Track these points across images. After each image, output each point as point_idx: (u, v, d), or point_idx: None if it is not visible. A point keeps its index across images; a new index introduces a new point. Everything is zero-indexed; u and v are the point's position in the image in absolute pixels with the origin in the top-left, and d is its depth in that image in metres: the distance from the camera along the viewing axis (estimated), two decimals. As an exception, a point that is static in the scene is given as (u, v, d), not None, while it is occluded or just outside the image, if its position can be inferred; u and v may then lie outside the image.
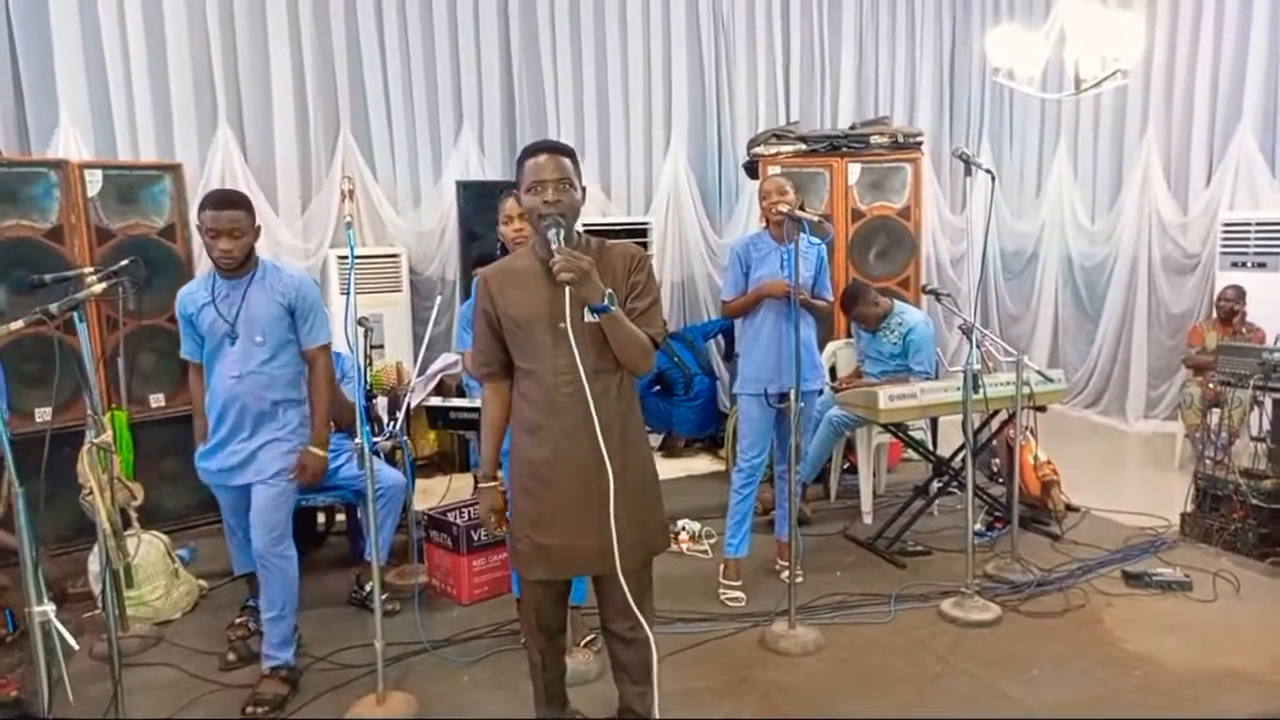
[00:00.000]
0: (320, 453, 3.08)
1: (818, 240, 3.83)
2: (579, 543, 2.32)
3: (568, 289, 2.15)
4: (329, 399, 3.09)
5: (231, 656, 3.27)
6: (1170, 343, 6.31)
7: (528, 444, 2.35)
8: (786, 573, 3.79)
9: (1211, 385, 4.87)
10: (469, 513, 3.94)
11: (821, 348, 5.23)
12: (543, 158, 2.26)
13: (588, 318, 2.25)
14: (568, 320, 2.21)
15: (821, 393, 4.08)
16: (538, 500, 2.34)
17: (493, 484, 2.43)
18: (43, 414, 4.12)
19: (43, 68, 4.92)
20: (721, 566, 3.87)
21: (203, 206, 2.90)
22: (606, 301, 2.17)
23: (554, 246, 2.16)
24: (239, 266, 2.94)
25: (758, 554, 4.00)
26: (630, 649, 2.44)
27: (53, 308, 2.33)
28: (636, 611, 2.30)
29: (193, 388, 3.20)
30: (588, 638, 3.29)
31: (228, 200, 2.93)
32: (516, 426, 2.39)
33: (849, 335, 5.13)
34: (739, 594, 3.75)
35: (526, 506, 2.36)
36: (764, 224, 3.85)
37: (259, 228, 3.00)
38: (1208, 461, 4.38)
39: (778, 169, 5.48)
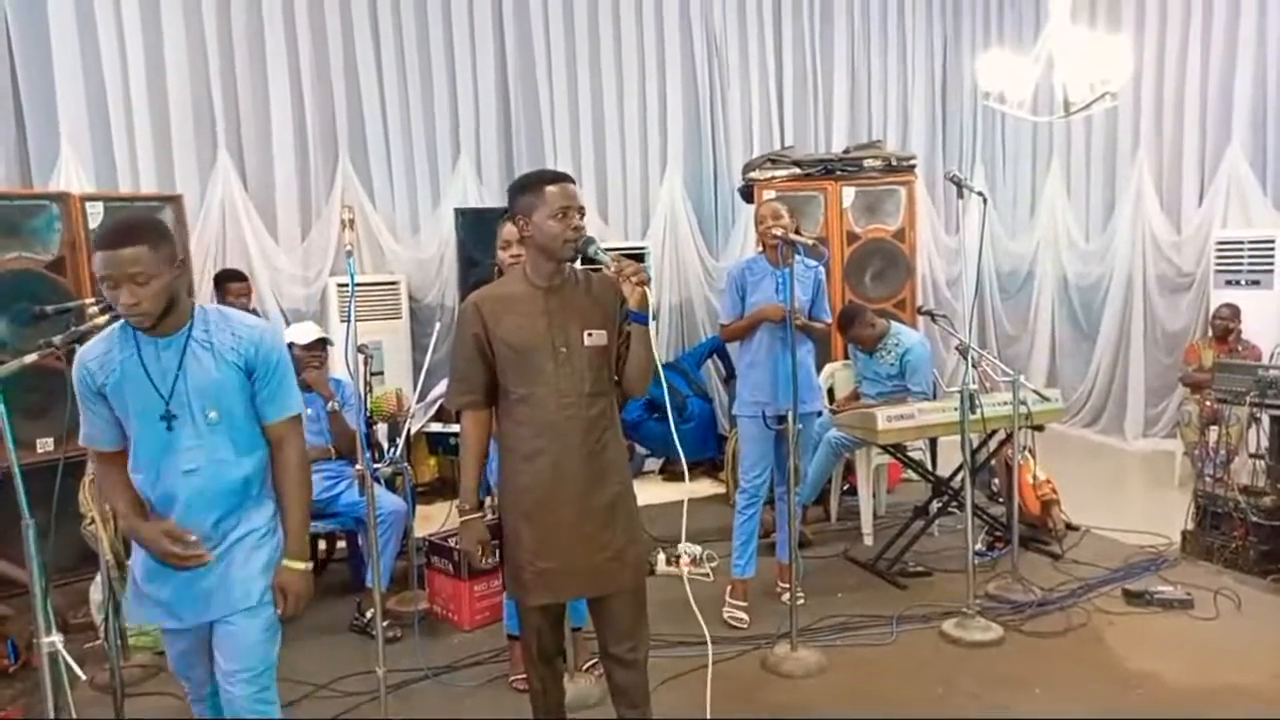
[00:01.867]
0: (301, 567, 2.24)
1: (814, 263, 3.86)
2: (581, 563, 2.35)
3: (552, 315, 2.32)
4: (307, 493, 2.26)
5: None
6: (1167, 361, 6.33)
7: (526, 470, 2.34)
8: (788, 595, 3.79)
9: (1209, 403, 4.89)
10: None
11: (819, 369, 5.26)
12: (568, 185, 2.33)
13: (587, 341, 2.33)
14: (581, 340, 2.33)
15: (820, 414, 4.09)
16: (539, 525, 2.34)
17: (478, 515, 2.42)
18: (44, 444, 4.13)
19: (44, 100, 4.97)
20: (729, 587, 3.87)
21: (95, 246, 2.12)
22: (650, 313, 2.26)
23: (611, 259, 2.28)
24: (159, 321, 2.09)
25: (759, 577, 4.00)
26: (629, 671, 2.46)
27: (56, 339, 2.35)
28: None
29: (105, 488, 2.32)
30: (590, 662, 3.28)
31: (124, 234, 2.05)
32: (511, 453, 2.38)
33: (846, 357, 5.16)
34: (743, 614, 3.75)
35: (528, 533, 2.35)
36: (760, 248, 3.88)
37: (181, 263, 2.15)
38: (1207, 479, 4.39)
39: (773, 193, 5.52)
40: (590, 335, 2.35)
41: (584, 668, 3.26)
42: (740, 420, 3.83)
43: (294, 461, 2.23)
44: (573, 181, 2.37)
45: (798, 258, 3.75)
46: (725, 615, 3.76)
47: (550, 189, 2.30)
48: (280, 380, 2.20)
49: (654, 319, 2.30)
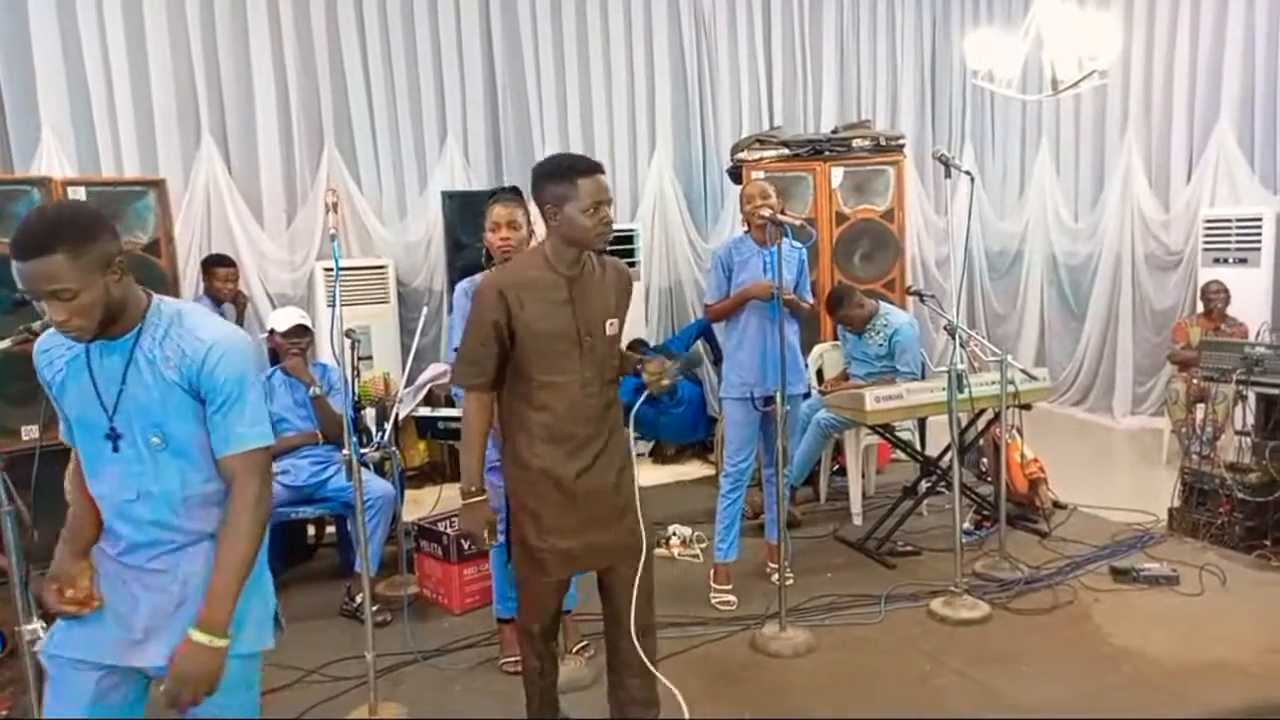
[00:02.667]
0: (209, 643, 1.73)
1: (799, 244, 3.85)
2: (601, 540, 2.41)
3: (575, 304, 2.36)
4: (247, 549, 1.81)
5: None
6: (1155, 339, 6.36)
7: (553, 454, 2.35)
8: (777, 575, 3.81)
9: (1196, 381, 4.91)
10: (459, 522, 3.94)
11: (807, 351, 5.27)
12: (600, 178, 2.31)
13: (608, 331, 2.41)
14: (604, 330, 2.39)
15: (808, 395, 4.09)
16: (561, 505, 2.37)
17: (482, 497, 2.40)
18: (29, 432, 4.11)
19: (24, 84, 4.91)
20: (712, 571, 3.88)
21: (9, 253, 1.69)
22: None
23: (674, 374, 2.47)
24: (103, 330, 1.75)
25: (748, 557, 4.01)
26: (646, 639, 2.51)
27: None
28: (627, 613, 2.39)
29: (70, 492, 1.96)
30: (580, 644, 3.30)
31: (36, 243, 1.65)
32: (528, 436, 2.36)
33: (835, 338, 5.16)
34: (730, 598, 3.76)
35: (549, 513, 2.36)
36: (746, 227, 3.87)
37: (120, 262, 1.73)
38: (1194, 456, 4.41)
39: (761, 174, 5.51)
40: (610, 325, 2.41)
41: (575, 649, 3.27)
42: (726, 403, 3.83)
43: (240, 507, 1.80)
44: (604, 171, 2.35)
45: (784, 238, 3.74)
46: (713, 600, 3.77)
47: (584, 182, 2.27)
48: (231, 406, 1.80)
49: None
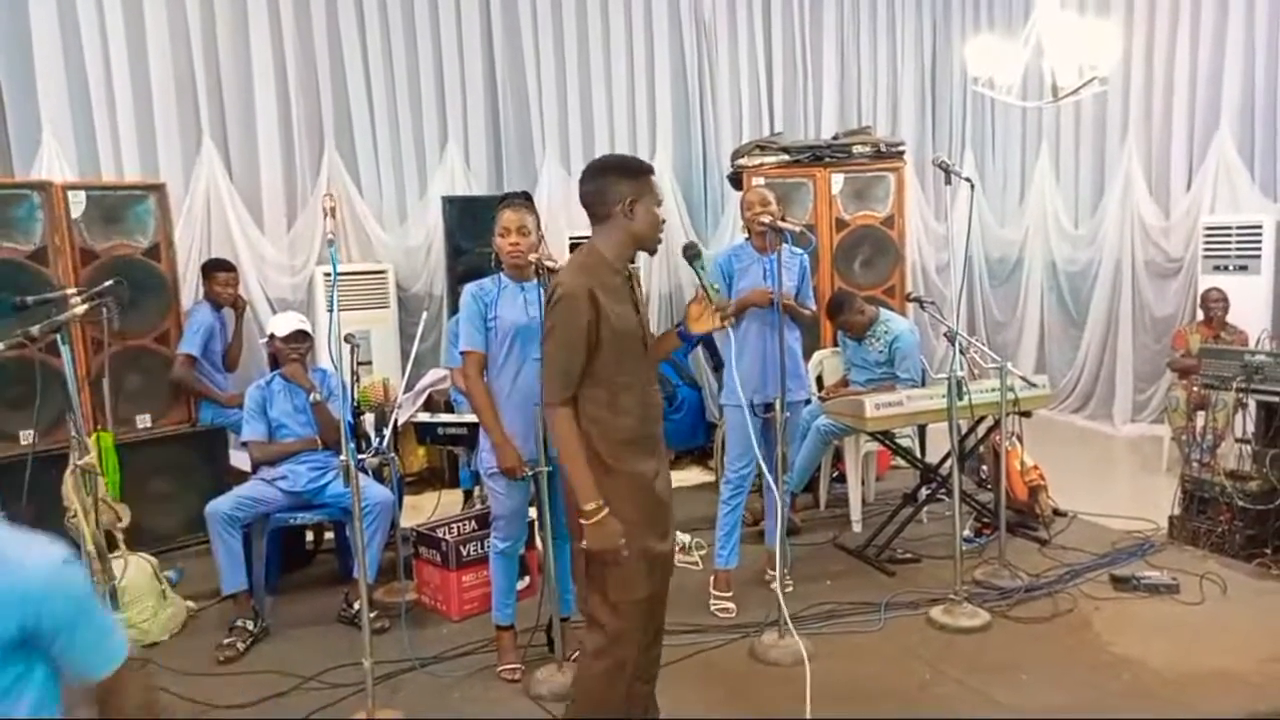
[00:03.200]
0: None
1: (800, 250, 3.85)
2: (669, 546, 2.42)
3: (637, 303, 2.37)
4: None
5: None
6: (1155, 346, 6.35)
7: (633, 456, 2.30)
8: (774, 584, 3.81)
9: (1196, 388, 4.91)
10: (458, 528, 3.94)
11: (807, 357, 5.26)
12: (657, 180, 2.37)
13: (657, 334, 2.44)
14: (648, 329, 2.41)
15: (809, 402, 4.08)
16: (653, 510, 2.35)
17: (606, 510, 2.23)
18: (27, 436, 4.10)
19: (25, 88, 4.91)
20: (712, 578, 3.87)
21: None
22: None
23: (712, 282, 2.44)
24: None
25: (748, 565, 4.00)
26: (653, 663, 2.53)
27: (35, 330, 2.33)
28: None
29: None
30: (576, 653, 3.28)
31: None
32: (612, 443, 2.27)
33: (835, 344, 5.15)
34: (729, 605, 3.75)
35: (643, 518, 2.30)
36: (746, 234, 3.86)
37: None
38: (1194, 464, 4.41)
39: (761, 180, 5.51)
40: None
41: (572, 657, 3.25)
42: (727, 409, 3.82)
43: None
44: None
45: (784, 245, 3.74)
46: (713, 607, 3.76)
47: (654, 180, 2.32)
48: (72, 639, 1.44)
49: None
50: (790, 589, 3.85)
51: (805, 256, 3.90)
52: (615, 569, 2.26)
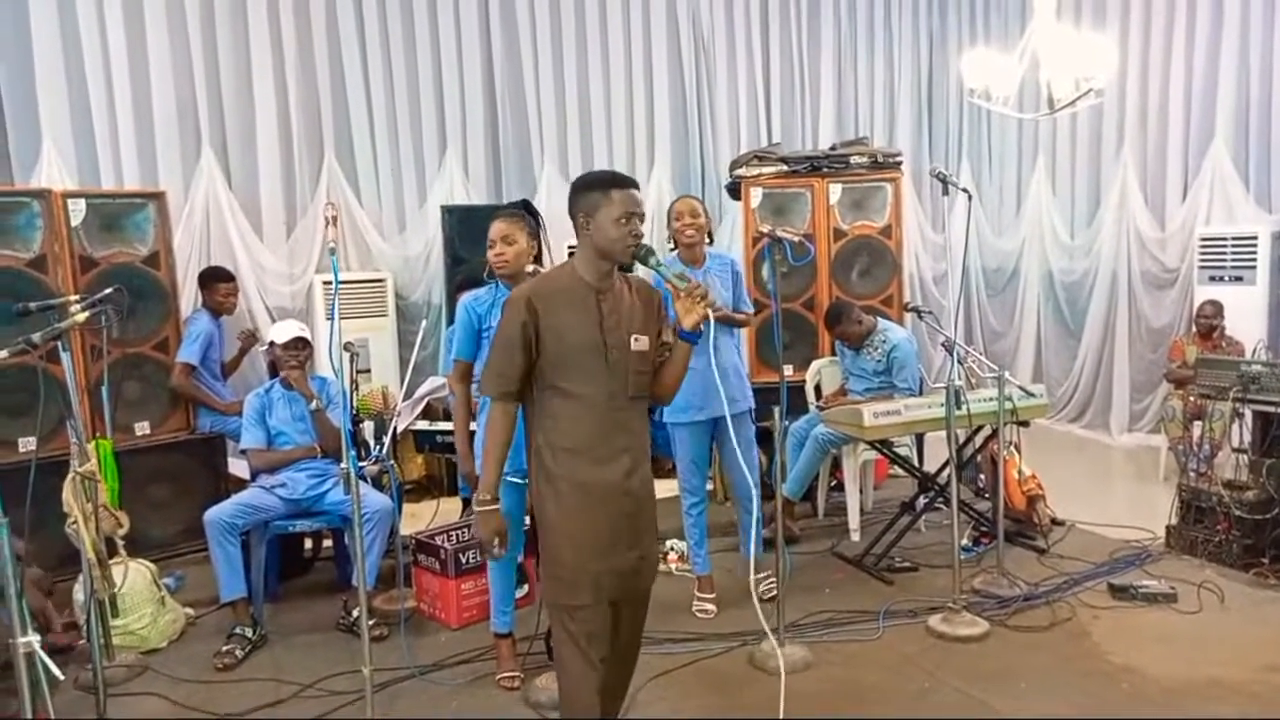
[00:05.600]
0: None
1: (730, 256, 3.88)
2: (617, 562, 2.35)
3: (604, 316, 2.33)
4: None
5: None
6: (1152, 356, 6.37)
7: (575, 464, 2.31)
8: (763, 587, 3.85)
9: (1193, 398, 4.92)
10: (457, 536, 3.94)
11: (805, 366, 5.29)
12: (634, 192, 2.35)
13: (634, 346, 2.36)
14: (629, 344, 2.34)
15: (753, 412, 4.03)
16: (586, 523, 2.31)
17: (495, 506, 2.36)
18: (26, 444, 4.10)
19: (25, 97, 4.92)
20: (696, 581, 3.89)
21: None
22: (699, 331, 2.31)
23: (676, 273, 2.32)
24: None
25: (744, 574, 4.01)
26: (623, 668, 2.51)
27: (36, 337, 2.33)
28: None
29: None
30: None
31: None
32: (553, 450, 2.32)
33: (833, 354, 5.16)
34: (709, 606, 3.80)
35: (577, 529, 2.31)
36: (672, 246, 3.81)
37: None
38: (1191, 474, 4.42)
39: (760, 190, 5.53)
40: (636, 340, 2.36)
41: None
42: (672, 427, 3.75)
43: None
44: (638, 187, 2.39)
45: (709, 251, 3.79)
46: (694, 608, 3.79)
47: (617, 193, 2.31)
48: None
49: (700, 338, 2.34)
50: (773, 594, 3.86)
51: (736, 260, 3.92)
52: (548, 569, 2.36)
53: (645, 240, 2.37)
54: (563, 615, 2.34)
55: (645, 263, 2.34)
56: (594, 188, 2.34)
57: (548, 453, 2.33)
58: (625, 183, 2.35)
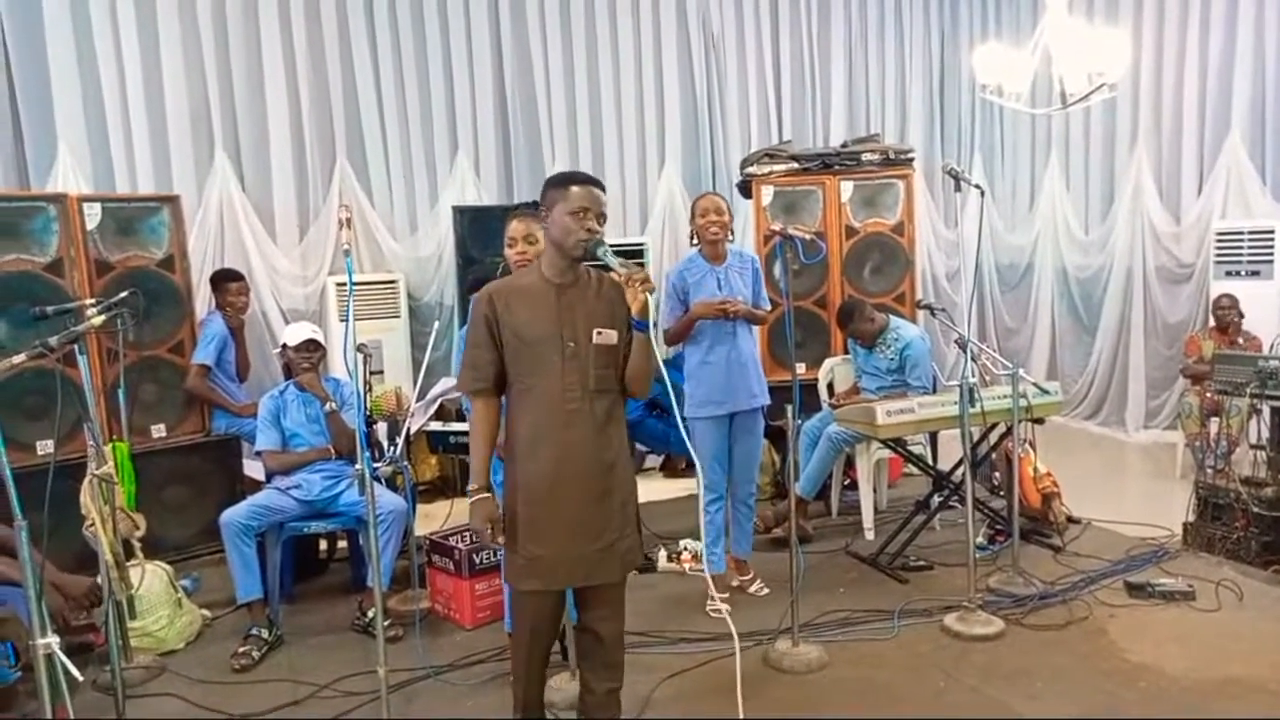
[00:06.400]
0: None
1: (750, 253, 3.89)
2: (571, 552, 2.41)
3: (562, 310, 2.38)
4: None
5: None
6: (1168, 352, 6.33)
7: (528, 457, 2.40)
8: (752, 588, 3.95)
9: (1210, 394, 4.88)
10: (471, 536, 3.94)
11: (817, 365, 5.27)
12: (594, 190, 2.41)
13: (595, 339, 2.40)
14: (589, 338, 2.39)
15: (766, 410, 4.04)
16: (536, 512, 2.40)
17: (487, 495, 2.43)
18: (44, 447, 4.13)
19: (41, 102, 4.96)
20: (709, 581, 3.87)
21: None
22: (650, 321, 2.33)
23: (619, 262, 2.34)
24: None
25: (759, 569, 4.00)
26: (601, 645, 2.54)
27: (53, 340, 2.35)
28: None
29: None
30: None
31: None
32: (516, 441, 2.43)
33: (846, 352, 5.15)
34: (723, 605, 3.76)
35: (526, 518, 2.41)
36: (695, 243, 3.82)
37: None
38: (1208, 470, 4.38)
39: (771, 188, 5.52)
40: (599, 334, 2.41)
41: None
42: (693, 422, 3.75)
43: None
44: (602, 188, 2.44)
45: (731, 248, 3.78)
46: (707, 608, 3.79)
47: (575, 188, 2.38)
48: None
49: (654, 326, 2.36)
50: (766, 592, 3.93)
51: (757, 258, 3.92)
52: (506, 558, 2.48)
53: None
54: (516, 597, 2.53)
55: (595, 253, 2.36)
56: (556, 184, 2.42)
57: (513, 444, 2.43)
58: (584, 180, 2.43)
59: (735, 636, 2.54)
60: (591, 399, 2.40)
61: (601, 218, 2.41)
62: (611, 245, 2.44)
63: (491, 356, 2.41)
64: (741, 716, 2.55)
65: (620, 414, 2.51)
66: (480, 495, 2.43)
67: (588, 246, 2.37)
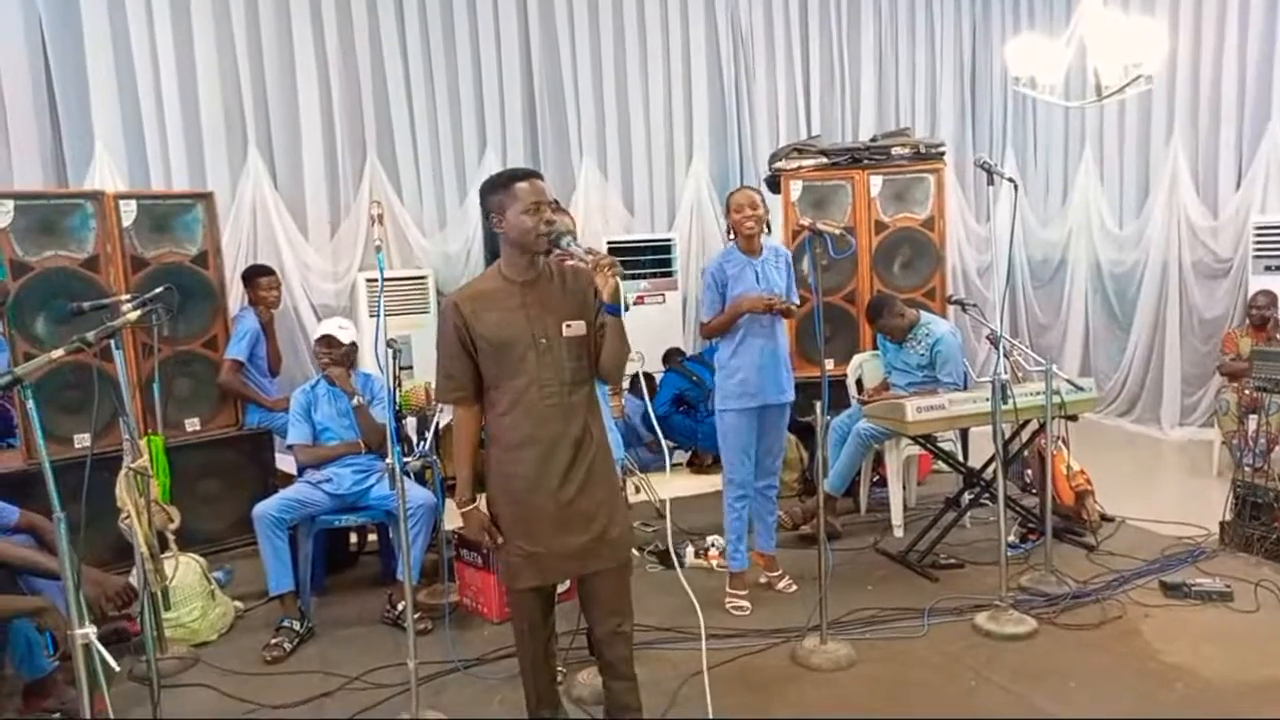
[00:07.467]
0: None
1: (784, 249, 3.89)
2: (565, 546, 2.45)
3: (529, 309, 2.41)
4: None
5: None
6: (1204, 349, 6.22)
7: (512, 459, 2.44)
8: (780, 584, 3.94)
9: (1247, 391, 4.79)
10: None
11: (846, 360, 5.24)
12: (538, 182, 2.41)
13: (565, 332, 2.42)
14: (560, 331, 2.40)
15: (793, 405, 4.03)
16: (525, 511, 2.44)
17: (474, 505, 2.49)
18: (81, 440, 4.20)
19: (79, 101, 5.05)
20: (729, 578, 3.87)
21: None
22: (622, 304, 2.34)
23: (584, 250, 2.33)
24: None
25: (786, 568, 3.99)
26: (615, 646, 2.57)
27: (90, 336, 2.39)
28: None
29: None
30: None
31: None
32: (496, 443, 2.47)
33: (875, 348, 5.11)
34: (743, 603, 3.78)
35: (516, 518, 2.45)
36: (732, 237, 3.80)
37: None
38: (1246, 469, 4.30)
39: (799, 183, 5.49)
40: (569, 326, 2.44)
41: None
42: (723, 414, 3.76)
43: None
44: (542, 178, 2.45)
45: (766, 243, 3.75)
46: (728, 605, 3.77)
47: (520, 185, 2.38)
48: None
49: (626, 310, 2.38)
50: (794, 589, 3.91)
51: (789, 253, 3.91)
52: (499, 557, 2.53)
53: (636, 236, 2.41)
54: (511, 596, 2.58)
55: (559, 245, 2.37)
56: (497, 188, 2.41)
57: (494, 447, 2.46)
58: (526, 175, 2.42)
59: (704, 637, 2.62)
60: (568, 392, 2.43)
61: (553, 206, 2.42)
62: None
63: (466, 365, 2.43)
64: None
65: (596, 402, 2.54)
66: (467, 507, 2.49)
67: (550, 239, 2.37)
